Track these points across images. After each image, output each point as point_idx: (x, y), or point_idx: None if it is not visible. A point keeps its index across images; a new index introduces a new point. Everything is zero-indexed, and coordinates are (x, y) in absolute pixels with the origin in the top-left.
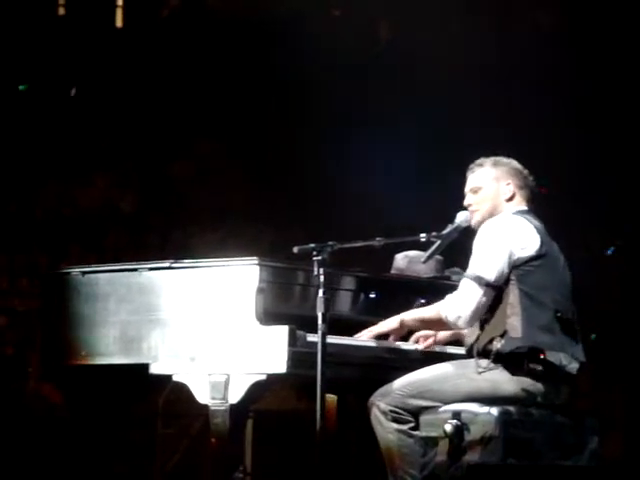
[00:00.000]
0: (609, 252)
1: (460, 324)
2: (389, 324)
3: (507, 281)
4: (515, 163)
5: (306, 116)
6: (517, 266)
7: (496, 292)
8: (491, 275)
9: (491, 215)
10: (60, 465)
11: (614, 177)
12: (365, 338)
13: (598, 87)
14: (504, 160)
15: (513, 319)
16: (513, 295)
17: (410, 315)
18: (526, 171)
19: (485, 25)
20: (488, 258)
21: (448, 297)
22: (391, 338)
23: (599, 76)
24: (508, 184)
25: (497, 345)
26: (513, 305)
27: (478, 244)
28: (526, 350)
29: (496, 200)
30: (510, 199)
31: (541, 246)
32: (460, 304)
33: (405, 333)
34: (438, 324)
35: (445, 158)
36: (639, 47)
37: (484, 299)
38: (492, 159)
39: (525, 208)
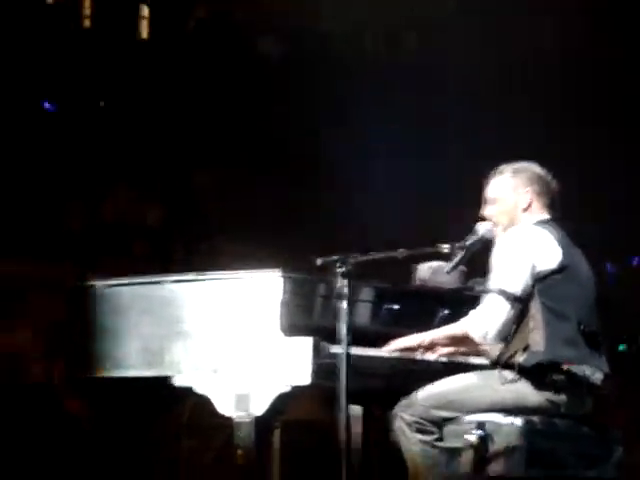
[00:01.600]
0: (634, 262)
1: (488, 340)
2: (420, 341)
3: (530, 294)
4: (535, 168)
5: (331, 124)
6: (539, 279)
7: (522, 306)
8: (517, 288)
9: (510, 226)
10: (85, 477)
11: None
12: (392, 350)
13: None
14: (524, 165)
15: (535, 333)
16: (535, 308)
17: (438, 333)
18: (549, 176)
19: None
20: (511, 271)
21: (472, 313)
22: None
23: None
24: (527, 192)
25: (520, 359)
26: (535, 318)
27: (499, 257)
28: (548, 363)
29: (514, 211)
30: (528, 207)
31: (563, 258)
32: (487, 320)
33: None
34: (465, 341)
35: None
36: None
37: (511, 313)
38: (512, 167)
39: (546, 217)
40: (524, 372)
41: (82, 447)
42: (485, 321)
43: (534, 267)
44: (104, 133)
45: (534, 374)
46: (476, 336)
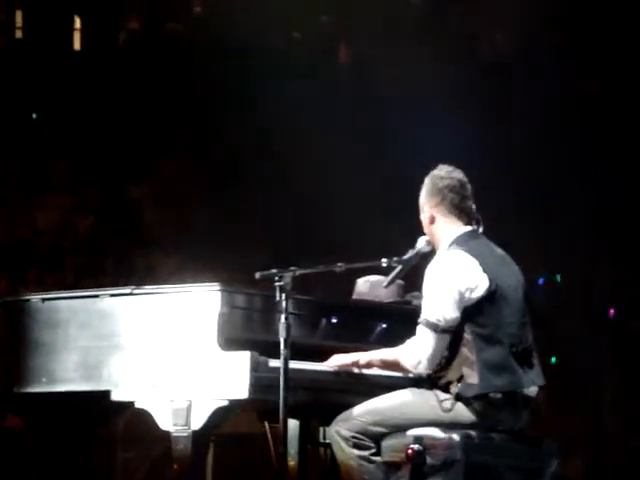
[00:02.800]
0: (540, 282)
1: (420, 370)
2: (356, 360)
3: (460, 323)
4: (433, 174)
5: (269, 137)
6: (468, 308)
7: (451, 335)
8: (444, 321)
9: (437, 245)
10: None
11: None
12: (330, 366)
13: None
14: (427, 179)
15: (468, 365)
16: (466, 337)
17: (375, 355)
18: (443, 175)
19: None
20: (439, 304)
21: (407, 342)
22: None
23: None
24: (424, 211)
25: (455, 389)
26: (468, 347)
27: (427, 287)
28: (483, 395)
29: (428, 230)
30: (431, 223)
31: (490, 283)
32: (417, 351)
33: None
34: (398, 368)
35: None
36: None
37: (441, 344)
38: (425, 181)
39: (461, 231)
40: (459, 399)
41: (23, 464)
42: (416, 352)
43: (462, 297)
44: (36, 143)
45: (469, 401)
46: (408, 365)
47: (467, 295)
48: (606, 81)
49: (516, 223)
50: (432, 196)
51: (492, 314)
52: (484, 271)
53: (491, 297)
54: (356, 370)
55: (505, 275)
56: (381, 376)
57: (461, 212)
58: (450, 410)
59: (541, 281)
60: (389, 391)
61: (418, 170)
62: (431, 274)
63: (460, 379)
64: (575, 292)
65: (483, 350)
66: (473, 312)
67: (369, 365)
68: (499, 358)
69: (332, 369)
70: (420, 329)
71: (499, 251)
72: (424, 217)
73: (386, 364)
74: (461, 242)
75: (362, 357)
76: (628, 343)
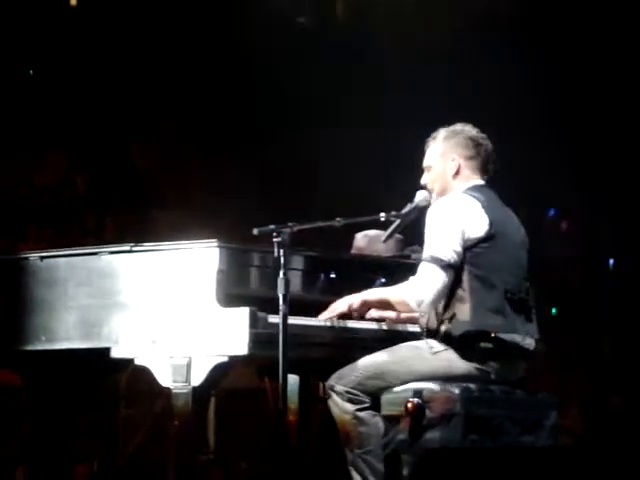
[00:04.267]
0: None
1: (423, 307)
2: (351, 302)
3: (462, 262)
4: (468, 131)
5: (271, 93)
6: (468, 247)
7: (455, 273)
8: (449, 255)
9: (443, 194)
10: (21, 448)
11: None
12: (326, 317)
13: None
14: (456, 129)
15: (462, 302)
16: (464, 277)
17: (372, 294)
18: (480, 137)
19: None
20: (443, 239)
21: (410, 279)
22: (353, 317)
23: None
24: (453, 159)
25: (445, 328)
26: (463, 288)
27: (430, 226)
28: (475, 333)
29: (443, 177)
30: (456, 174)
31: (490, 226)
32: (422, 288)
33: (366, 312)
34: (399, 306)
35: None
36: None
37: (446, 280)
38: (444, 130)
39: (477, 183)
40: (450, 342)
41: (18, 419)
42: (421, 288)
43: (463, 234)
44: (34, 101)
45: (461, 343)
46: (412, 303)
47: (467, 234)
48: None
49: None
50: (465, 148)
51: (490, 257)
52: (486, 213)
53: (490, 239)
54: (354, 316)
55: (508, 227)
56: (378, 329)
57: (484, 174)
58: (444, 361)
59: (552, 212)
60: (387, 345)
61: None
62: (434, 213)
63: (452, 318)
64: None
65: (478, 291)
66: (472, 252)
67: (365, 305)
68: (494, 301)
69: (331, 324)
70: (424, 265)
71: (508, 209)
72: (447, 166)
73: (387, 302)
74: (469, 191)
75: (356, 298)
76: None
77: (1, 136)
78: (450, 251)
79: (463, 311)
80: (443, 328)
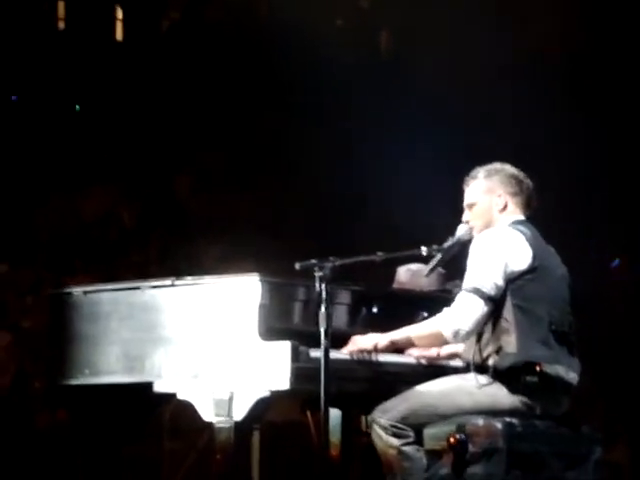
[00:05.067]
0: (615, 264)
1: (459, 339)
2: (376, 342)
3: (503, 295)
4: (509, 169)
5: (319, 126)
6: (511, 280)
7: (494, 306)
8: (490, 288)
9: (487, 228)
10: None
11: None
12: (349, 352)
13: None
14: (497, 167)
15: (508, 335)
16: (507, 309)
17: (400, 334)
18: (522, 175)
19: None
20: (485, 271)
21: (445, 311)
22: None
23: None
24: (500, 195)
25: (493, 361)
26: (507, 320)
27: (473, 257)
28: (522, 365)
29: (489, 213)
30: (503, 209)
31: (534, 259)
32: (460, 317)
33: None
34: (432, 339)
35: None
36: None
37: (485, 311)
38: (485, 169)
39: (521, 217)
40: (498, 375)
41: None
42: (459, 318)
43: (506, 267)
44: (81, 135)
45: (508, 377)
46: (447, 332)
47: (511, 266)
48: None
49: None
50: (508, 185)
51: (534, 289)
52: (530, 246)
53: (534, 272)
54: (402, 357)
55: (550, 260)
56: (419, 365)
57: (527, 210)
58: (489, 395)
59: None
60: (428, 379)
61: None
62: (478, 244)
63: (499, 351)
64: None
65: (523, 323)
66: (516, 285)
67: (392, 345)
68: (539, 332)
69: (373, 358)
70: (463, 294)
71: (549, 246)
72: (493, 202)
73: (414, 340)
74: (514, 225)
75: (383, 338)
76: None
77: (49, 171)
78: (491, 283)
79: (509, 343)
80: (490, 362)
